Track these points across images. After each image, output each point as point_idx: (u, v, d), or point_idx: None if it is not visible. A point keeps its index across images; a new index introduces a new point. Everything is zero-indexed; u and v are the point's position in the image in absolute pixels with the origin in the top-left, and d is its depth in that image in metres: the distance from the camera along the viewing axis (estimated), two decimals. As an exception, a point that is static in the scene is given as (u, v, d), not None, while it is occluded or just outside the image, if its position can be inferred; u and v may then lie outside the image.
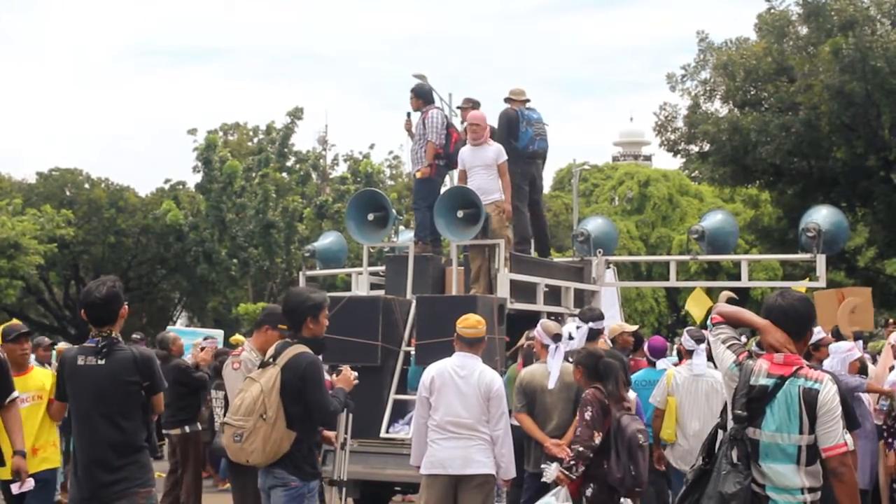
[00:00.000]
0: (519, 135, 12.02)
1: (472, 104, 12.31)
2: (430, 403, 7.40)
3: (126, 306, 5.92)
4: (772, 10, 28.97)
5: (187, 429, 11.29)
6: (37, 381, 7.61)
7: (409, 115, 12.30)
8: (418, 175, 12.10)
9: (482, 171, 11.12)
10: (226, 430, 6.35)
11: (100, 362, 5.78)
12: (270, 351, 6.42)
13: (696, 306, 13.71)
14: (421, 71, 32.27)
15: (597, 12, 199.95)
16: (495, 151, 11.08)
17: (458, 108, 12.50)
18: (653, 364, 10.55)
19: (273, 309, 8.23)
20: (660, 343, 11.02)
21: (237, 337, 16.80)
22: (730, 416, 4.82)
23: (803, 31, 28.31)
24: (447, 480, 7.33)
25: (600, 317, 9.20)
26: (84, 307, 5.87)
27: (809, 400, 4.63)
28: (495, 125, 11.96)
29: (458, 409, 7.33)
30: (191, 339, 16.47)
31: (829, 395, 4.65)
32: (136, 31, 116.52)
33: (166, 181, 41.43)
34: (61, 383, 6.09)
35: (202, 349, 12.74)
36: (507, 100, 12.20)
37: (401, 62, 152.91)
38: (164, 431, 11.83)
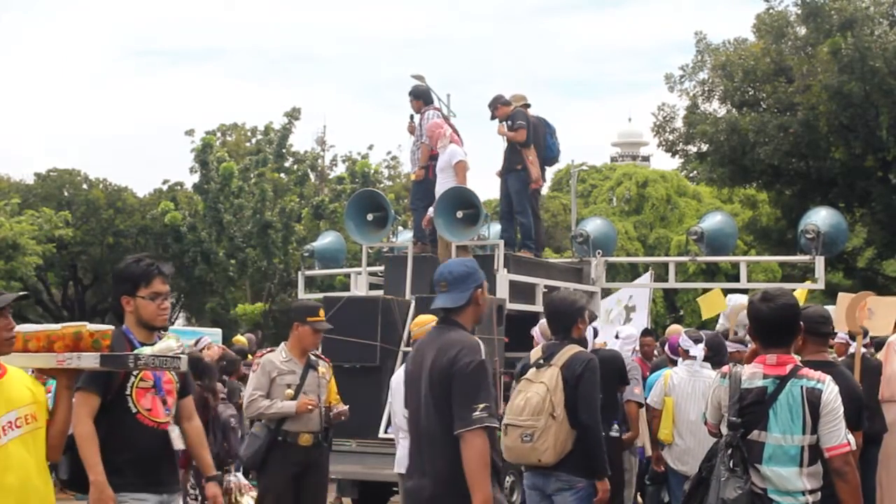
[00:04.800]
0: (548, 144, 12.33)
1: (502, 103, 12.34)
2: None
3: None
4: (770, 11, 28.96)
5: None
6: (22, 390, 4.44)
7: (412, 117, 12.32)
8: (412, 177, 12.17)
9: (440, 175, 11.40)
10: (510, 431, 6.39)
11: None
12: (537, 352, 6.48)
13: (709, 307, 13.75)
14: (419, 72, 32.27)
15: (595, 13, 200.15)
16: (448, 154, 11.30)
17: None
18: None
19: (299, 304, 8.08)
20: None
21: (238, 338, 16.81)
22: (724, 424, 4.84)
23: (802, 31, 28.30)
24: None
25: (594, 318, 9.25)
26: (110, 307, 5.92)
27: (813, 400, 4.63)
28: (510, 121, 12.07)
29: (402, 411, 7.50)
30: (190, 339, 16.46)
31: (831, 394, 4.65)
32: (135, 31, 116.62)
33: (164, 182, 41.41)
34: None
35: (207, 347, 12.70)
36: (524, 106, 12.36)
37: (399, 63, 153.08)
38: None
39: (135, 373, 4.91)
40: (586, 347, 6.82)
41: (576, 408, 6.20)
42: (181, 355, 4.89)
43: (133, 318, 5.08)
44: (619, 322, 13.37)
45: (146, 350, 4.83)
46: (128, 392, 4.96)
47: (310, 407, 7.36)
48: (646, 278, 15.12)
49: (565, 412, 6.19)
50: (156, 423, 5.02)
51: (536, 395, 6.30)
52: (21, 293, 4.59)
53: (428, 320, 7.73)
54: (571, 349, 6.36)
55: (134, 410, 4.96)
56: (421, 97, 12.29)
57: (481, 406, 4.53)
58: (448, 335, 4.75)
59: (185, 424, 5.32)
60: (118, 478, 4.84)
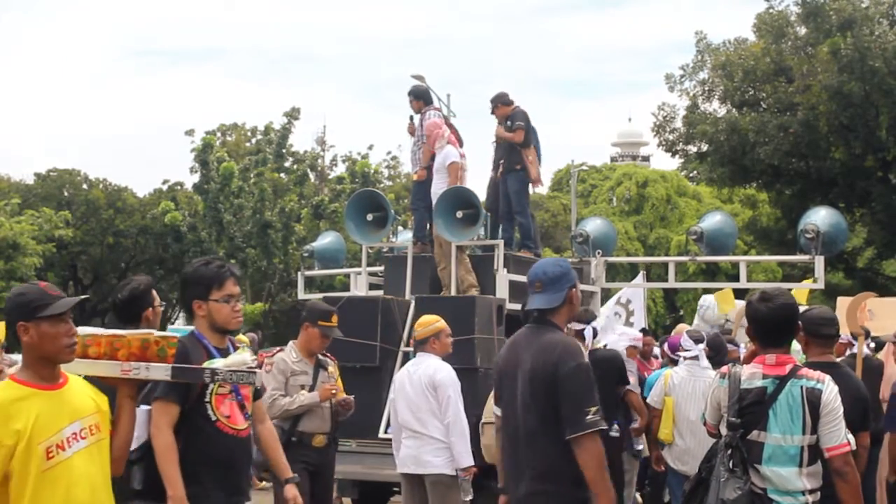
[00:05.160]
0: (533, 146, 12.35)
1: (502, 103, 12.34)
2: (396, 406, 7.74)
3: (154, 308, 5.80)
4: (770, 10, 28.97)
5: None
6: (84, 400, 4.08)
7: (411, 118, 12.29)
8: (414, 177, 12.14)
9: (435, 175, 11.41)
10: (486, 429, 6.27)
11: None
12: None
13: (723, 302, 13.80)
14: (419, 72, 32.29)
15: (595, 13, 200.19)
16: (443, 155, 11.30)
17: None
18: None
19: (313, 305, 7.91)
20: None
21: (241, 337, 16.83)
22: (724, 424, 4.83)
23: (802, 31, 28.32)
24: (410, 478, 7.62)
25: (593, 318, 9.25)
26: (111, 306, 5.83)
27: (813, 400, 4.63)
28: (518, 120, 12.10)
29: (406, 410, 7.57)
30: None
31: (831, 394, 4.65)
32: (135, 31, 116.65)
33: (164, 182, 41.47)
34: None
35: None
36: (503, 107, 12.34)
37: (399, 63, 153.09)
38: None
39: None
40: None
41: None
42: (256, 369, 4.69)
43: (206, 322, 4.92)
44: (618, 323, 13.38)
45: (219, 362, 4.64)
46: (207, 399, 4.79)
47: (333, 392, 7.38)
48: (639, 279, 15.14)
49: None
50: (235, 430, 4.84)
51: None
52: (83, 297, 4.31)
53: (433, 320, 7.69)
54: None
55: (213, 418, 4.79)
56: (421, 97, 12.25)
57: (593, 409, 4.61)
58: (546, 336, 4.77)
59: (257, 426, 5.24)
60: (198, 487, 4.69)
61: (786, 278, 31.87)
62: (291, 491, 5.33)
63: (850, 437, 4.73)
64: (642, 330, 11.57)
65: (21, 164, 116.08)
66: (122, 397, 4.25)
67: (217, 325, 4.91)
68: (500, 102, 12.17)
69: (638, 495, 10.39)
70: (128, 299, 5.71)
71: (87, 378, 4.15)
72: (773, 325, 4.79)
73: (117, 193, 38.90)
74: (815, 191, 28.32)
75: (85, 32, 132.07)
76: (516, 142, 11.89)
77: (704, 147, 29.91)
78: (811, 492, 4.67)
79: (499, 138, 12.07)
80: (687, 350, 9.10)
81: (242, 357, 4.75)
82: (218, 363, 4.61)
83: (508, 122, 12.00)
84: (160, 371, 4.25)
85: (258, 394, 5.23)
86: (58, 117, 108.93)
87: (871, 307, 11.59)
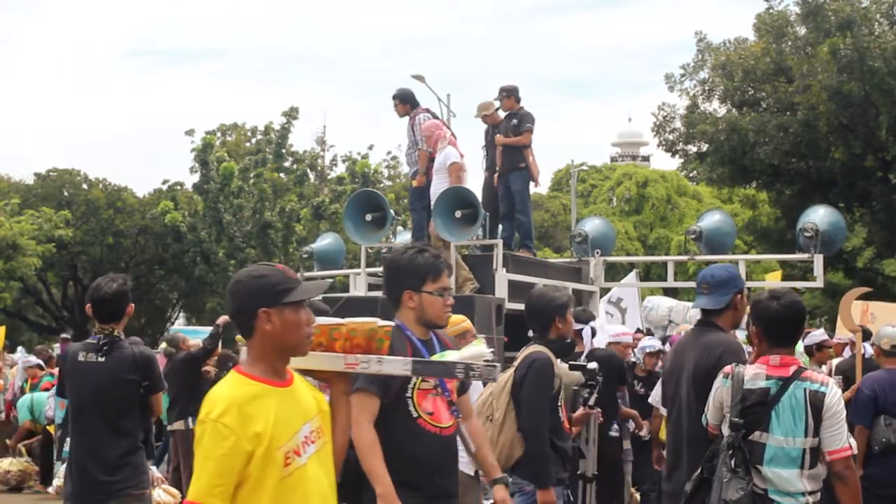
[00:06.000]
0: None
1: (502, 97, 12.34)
2: None
3: (132, 305, 5.93)
4: (770, 10, 28.98)
5: (190, 423, 11.06)
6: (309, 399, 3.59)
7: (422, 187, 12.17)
8: (414, 184, 12.11)
9: (435, 175, 11.39)
10: None
11: (100, 359, 5.78)
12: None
13: None
14: (419, 71, 32.29)
15: (595, 12, 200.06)
16: (444, 156, 11.26)
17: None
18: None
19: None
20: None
21: (239, 337, 16.82)
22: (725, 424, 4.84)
23: (802, 31, 28.33)
24: None
25: (591, 318, 9.25)
26: (92, 302, 5.85)
27: (816, 403, 4.61)
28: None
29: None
30: (191, 338, 16.39)
31: (834, 398, 4.65)
32: (135, 31, 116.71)
33: (164, 182, 41.41)
34: (62, 379, 6.12)
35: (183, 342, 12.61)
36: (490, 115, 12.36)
37: (399, 63, 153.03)
38: (168, 428, 11.65)
39: None
40: (570, 347, 6.61)
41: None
42: (496, 363, 4.29)
43: (413, 315, 4.56)
44: (613, 323, 13.40)
45: (453, 354, 4.32)
46: (409, 394, 4.41)
47: None
48: (631, 278, 15.17)
49: (511, 416, 6.00)
50: (438, 428, 4.45)
51: (481, 398, 6.16)
52: (328, 280, 3.97)
53: (459, 320, 7.64)
54: (528, 349, 6.14)
55: (415, 415, 4.41)
56: (407, 101, 12.10)
57: None
58: (709, 336, 5.06)
59: (464, 423, 4.86)
60: (399, 491, 4.29)
61: (786, 278, 31.77)
62: (500, 492, 4.92)
63: (852, 440, 4.73)
64: (638, 330, 11.56)
65: (21, 164, 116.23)
66: (337, 394, 3.78)
67: (426, 319, 4.57)
68: (512, 95, 12.10)
69: (638, 495, 10.39)
70: (118, 295, 5.79)
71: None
72: (781, 323, 4.79)
73: (117, 193, 38.85)
74: (815, 191, 28.31)
75: (85, 32, 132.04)
76: (524, 144, 11.89)
77: (704, 147, 29.93)
78: (811, 493, 4.67)
79: (501, 143, 12.03)
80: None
81: (480, 349, 4.37)
82: (453, 356, 4.24)
83: (514, 122, 11.98)
84: (396, 365, 3.82)
85: (464, 388, 4.80)
86: (58, 117, 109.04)
87: (873, 310, 11.57)
